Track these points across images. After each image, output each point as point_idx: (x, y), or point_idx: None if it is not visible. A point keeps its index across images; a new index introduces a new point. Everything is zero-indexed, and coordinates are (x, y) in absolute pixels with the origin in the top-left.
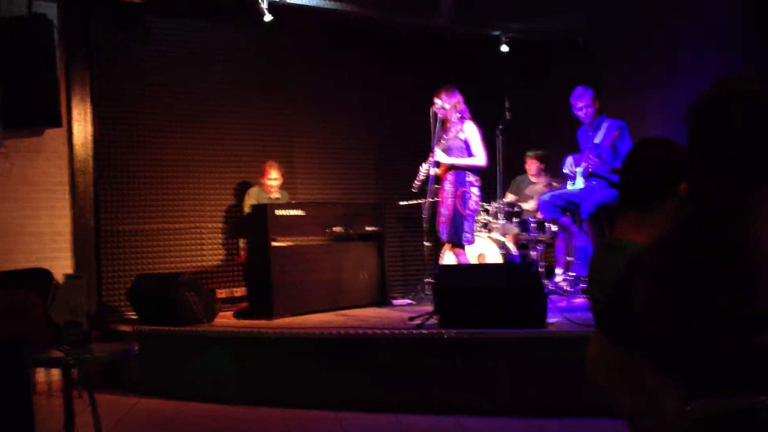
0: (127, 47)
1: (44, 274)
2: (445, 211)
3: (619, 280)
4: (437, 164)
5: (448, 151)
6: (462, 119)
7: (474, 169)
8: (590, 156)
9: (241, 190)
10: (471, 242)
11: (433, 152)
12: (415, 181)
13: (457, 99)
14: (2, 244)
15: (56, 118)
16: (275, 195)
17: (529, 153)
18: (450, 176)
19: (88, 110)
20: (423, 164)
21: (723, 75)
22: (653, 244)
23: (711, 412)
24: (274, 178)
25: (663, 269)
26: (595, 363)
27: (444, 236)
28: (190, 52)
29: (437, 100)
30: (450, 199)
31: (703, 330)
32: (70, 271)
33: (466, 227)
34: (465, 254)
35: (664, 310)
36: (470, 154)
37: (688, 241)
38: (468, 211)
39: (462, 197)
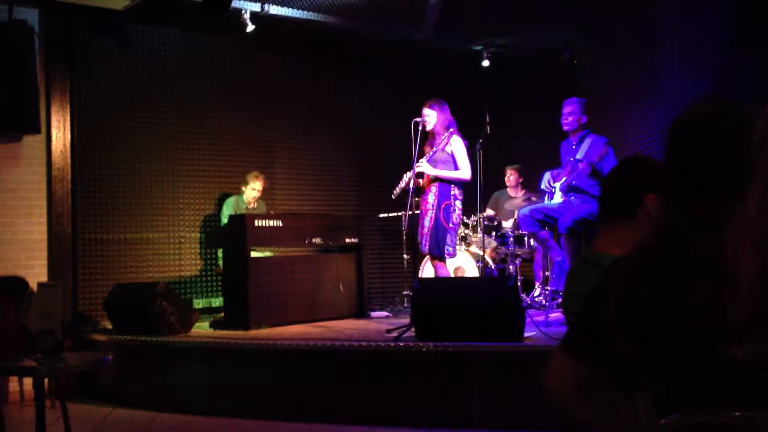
0: (107, 55)
1: (19, 283)
2: (427, 223)
3: (591, 293)
4: (420, 176)
5: (434, 164)
6: (451, 133)
7: (458, 183)
8: (577, 167)
9: (221, 200)
10: (453, 255)
11: (414, 163)
12: (396, 189)
13: (447, 112)
14: None
15: (35, 124)
16: (253, 205)
17: (509, 166)
18: (434, 188)
19: (68, 117)
20: (407, 173)
21: (704, 94)
22: (625, 256)
23: (685, 427)
24: (258, 189)
25: (635, 281)
26: (557, 379)
27: (425, 248)
28: (171, 60)
29: (427, 111)
30: (433, 211)
31: (676, 343)
32: (45, 279)
33: (448, 240)
34: (445, 267)
35: (637, 323)
36: (456, 168)
37: (661, 254)
38: (451, 225)
39: (446, 210)
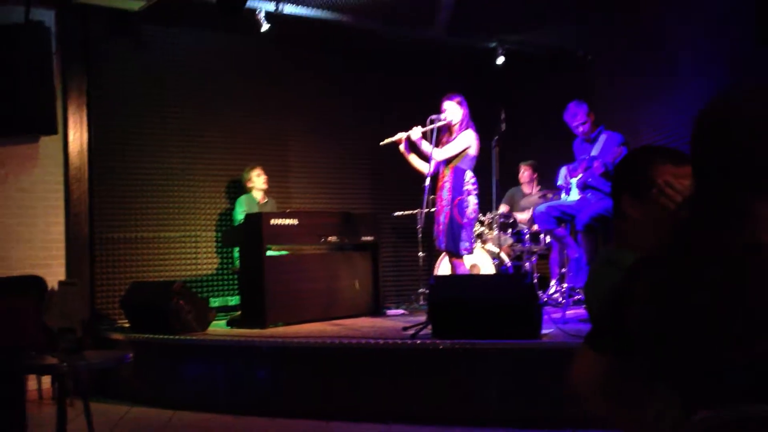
0: (123, 55)
1: (38, 282)
2: (443, 219)
3: (615, 290)
4: (413, 147)
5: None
6: (467, 127)
7: (471, 176)
8: (592, 165)
9: (236, 199)
10: (470, 251)
11: (431, 158)
12: (385, 140)
13: (466, 108)
14: None
15: (52, 125)
16: (264, 200)
17: (523, 162)
18: (448, 183)
19: (84, 118)
20: (401, 133)
21: (719, 91)
22: (651, 251)
23: (716, 422)
24: (263, 181)
25: (662, 279)
26: (581, 376)
27: (441, 245)
28: (187, 60)
29: (448, 104)
30: (447, 207)
31: (707, 337)
32: (63, 278)
33: (463, 236)
34: (463, 265)
35: (664, 320)
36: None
37: (689, 247)
38: (466, 220)
39: (459, 205)
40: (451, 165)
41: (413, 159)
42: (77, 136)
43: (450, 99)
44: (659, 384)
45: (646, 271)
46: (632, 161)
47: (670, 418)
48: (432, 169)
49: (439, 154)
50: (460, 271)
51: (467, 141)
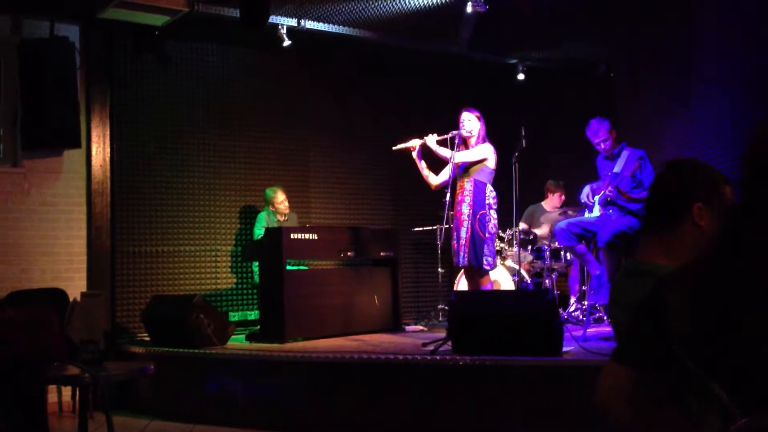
0: (146, 70)
1: (60, 294)
2: (464, 234)
3: (645, 302)
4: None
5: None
6: (482, 141)
7: (491, 190)
8: (609, 187)
9: (257, 214)
10: (492, 266)
11: (452, 162)
12: (398, 145)
13: (483, 123)
14: (19, 263)
15: (75, 139)
16: (284, 218)
17: (555, 183)
18: (468, 197)
19: (107, 132)
20: (414, 139)
21: (738, 108)
22: (691, 262)
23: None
24: (282, 201)
25: (708, 286)
26: (608, 392)
27: (463, 261)
28: (208, 76)
29: (467, 115)
30: (468, 222)
31: (751, 345)
32: (85, 291)
33: (486, 251)
34: (490, 283)
35: (709, 327)
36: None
37: (732, 257)
38: (487, 235)
39: (481, 220)
40: (469, 176)
41: (424, 168)
42: (100, 150)
43: (469, 111)
44: (691, 399)
45: (689, 278)
46: (707, 171)
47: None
48: (448, 179)
49: (459, 156)
50: (486, 287)
51: (485, 152)
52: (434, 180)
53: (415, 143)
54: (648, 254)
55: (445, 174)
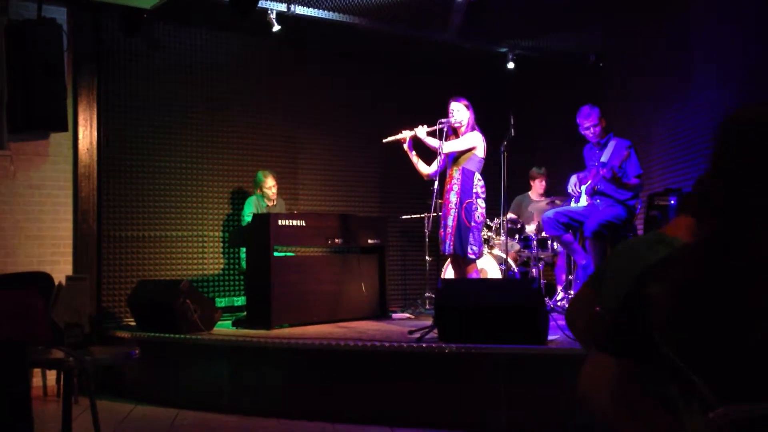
0: (134, 53)
1: (45, 278)
2: (450, 222)
3: (629, 293)
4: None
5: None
6: (471, 129)
7: (479, 179)
8: (600, 171)
9: (244, 199)
10: (478, 255)
11: (441, 152)
12: (388, 138)
13: (472, 111)
14: (4, 246)
15: (62, 122)
16: (273, 202)
17: (537, 169)
18: (456, 185)
19: (94, 115)
20: (405, 131)
21: (734, 101)
22: (673, 254)
23: (737, 418)
24: (270, 186)
25: (691, 279)
26: (590, 383)
27: (449, 249)
28: (197, 60)
29: (456, 105)
30: (455, 210)
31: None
32: (70, 275)
33: (471, 240)
34: (476, 271)
35: (691, 319)
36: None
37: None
38: (474, 223)
39: (467, 208)
40: (459, 165)
41: (415, 159)
42: (87, 133)
43: (457, 100)
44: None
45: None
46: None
47: (689, 427)
48: (438, 168)
49: (448, 146)
50: (473, 276)
51: (474, 141)
52: (425, 170)
53: (405, 135)
54: (674, 230)
55: (436, 164)
